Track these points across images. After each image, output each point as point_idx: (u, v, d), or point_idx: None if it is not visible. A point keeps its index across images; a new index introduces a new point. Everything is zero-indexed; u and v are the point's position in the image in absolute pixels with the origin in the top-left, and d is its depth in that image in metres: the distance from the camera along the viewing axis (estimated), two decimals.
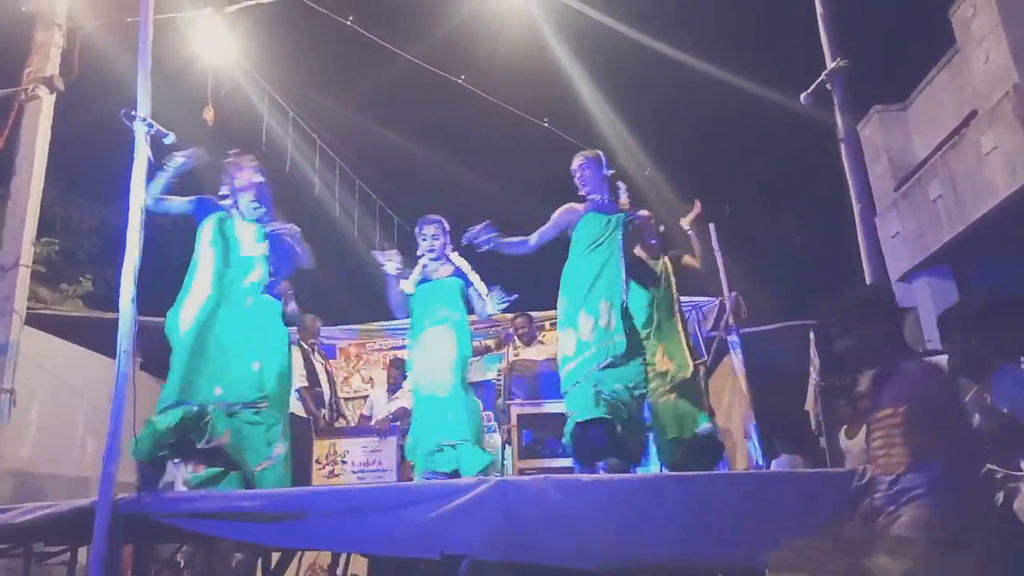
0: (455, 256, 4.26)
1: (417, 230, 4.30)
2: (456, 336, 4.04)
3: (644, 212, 4.16)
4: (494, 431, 6.16)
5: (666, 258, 4.56)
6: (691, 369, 4.26)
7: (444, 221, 4.31)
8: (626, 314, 3.72)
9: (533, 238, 4.02)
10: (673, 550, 2.68)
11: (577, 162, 3.99)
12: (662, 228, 4.55)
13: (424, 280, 4.19)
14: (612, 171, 4.00)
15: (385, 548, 2.93)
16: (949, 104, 7.35)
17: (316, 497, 3.09)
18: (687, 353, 4.32)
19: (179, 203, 3.77)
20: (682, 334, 4.37)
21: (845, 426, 5.81)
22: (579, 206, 3.97)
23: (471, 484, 2.92)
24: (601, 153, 4.05)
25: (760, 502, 2.72)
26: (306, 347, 5.55)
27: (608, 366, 3.64)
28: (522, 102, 7.59)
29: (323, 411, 5.49)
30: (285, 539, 3.11)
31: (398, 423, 5.37)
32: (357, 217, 8.62)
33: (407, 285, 4.19)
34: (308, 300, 5.78)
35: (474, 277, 4.20)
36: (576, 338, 3.74)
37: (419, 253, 4.28)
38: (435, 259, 4.22)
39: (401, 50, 6.89)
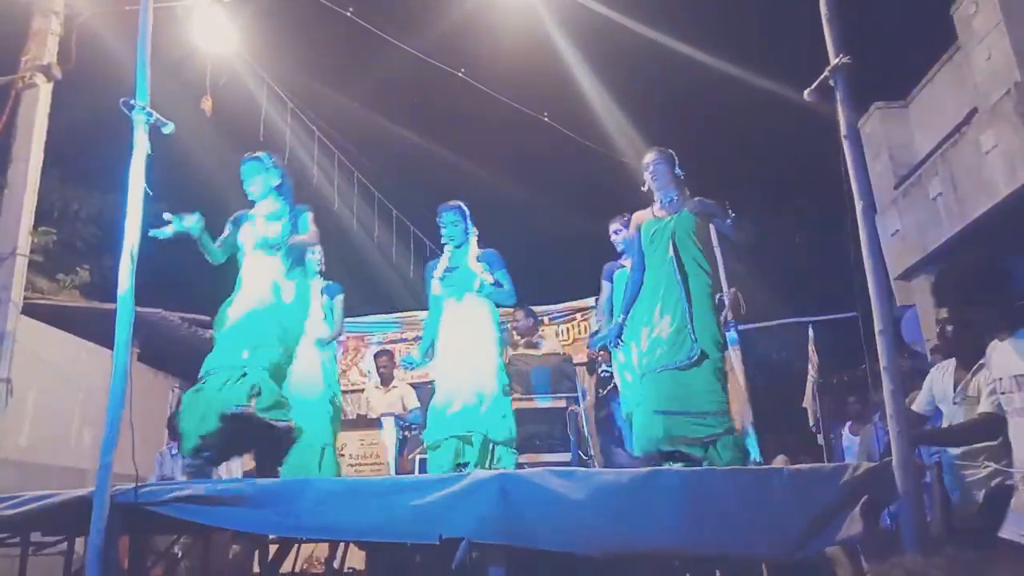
0: (474, 242, 4.23)
1: (438, 218, 4.28)
2: (489, 323, 4.04)
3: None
4: None
5: None
6: None
7: (463, 206, 4.27)
8: (692, 317, 3.63)
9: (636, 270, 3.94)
10: (670, 540, 2.71)
11: (649, 158, 3.94)
12: None
13: (452, 269, 4.15)
14: (681, 174, 3.94)
15: (382, 534, 2.93)
16: (950, 102, 7.33)
17: (312, 484, 3.09)
18: None
19: (224, 240, 3.92)
20: None
21: (850, 422, 5.83)
22: (642, 214, 3.95)
23: (468, 473, 2.93)
24: (671, 151, 3.99)
25: (756, 496, 2.74)
26: None
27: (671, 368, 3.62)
28: (522, 96, 7.57)
29: None
30: (282, 527, 3.11)
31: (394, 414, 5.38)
32: (356, 209, 8.60)
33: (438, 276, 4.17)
34: None
35: (477, 266, 4.14)
36: (638, 351, 3.76)
37: (443, 242, 4.26)
38: (456, 247, 4.20)
39: (401, 42, 6.86)
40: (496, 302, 4.15)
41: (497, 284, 4.08)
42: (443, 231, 4.23)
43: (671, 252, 3.70)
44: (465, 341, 3.96)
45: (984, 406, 2.58)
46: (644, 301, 3.79)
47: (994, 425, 2.52)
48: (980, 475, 2.72)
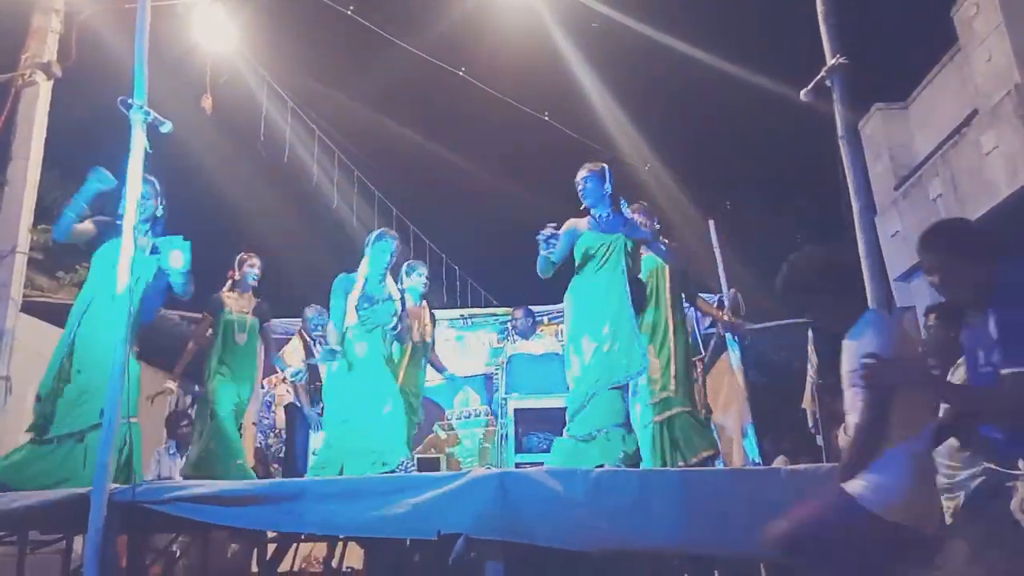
0: (389, 278, 4.32)
1: (379, 242, 4.24)
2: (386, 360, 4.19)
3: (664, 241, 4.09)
4: (491, 425, 6.17)
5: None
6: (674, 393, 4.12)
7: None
8: (636, 336, 3.69)
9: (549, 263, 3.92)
10: (668, 539, 2.72)
11: (580, 175, 3.93)
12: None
13: (372, 300, 4.17)
14: (610, 190, 3.89)
15: (381, 530, 2.93)
16: (950, 103, 7.33)
17: (312, 483, 3.10)
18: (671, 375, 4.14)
19: (85, 229, 3.77)
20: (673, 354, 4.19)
21: (844, 424, 5.82)
22: (580, 221, 3.92)
23: (467, 472, 2.94)
24: (606, 167, 3.95)
25: (754, 496, 2.75)
26: (308, 339, 5.54)
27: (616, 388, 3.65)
28: (523, 95, 7.57)
29: (321, 405, 5.49)
30: (281, 523, 3.12)
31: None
32: (356, 207, 8.60)
33: (352, 300, 4.14)
34: (308, 292, 5.78)
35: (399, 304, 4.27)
36: (580, 363, 3.74)
37: (369, 267, 4.23)
38: (382, 279, 4.25)
39: (401, 41, 6.86)
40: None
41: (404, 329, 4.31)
42: (381, 255, 4.22)
43: (623, 270, 3.71)
44: (370, 379, 4.04)
45: None
46: (589, 316, 3.75)
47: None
48: (961, 476, 2.75)
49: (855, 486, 2.07)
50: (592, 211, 3.90)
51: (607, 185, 3.87)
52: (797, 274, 2.34)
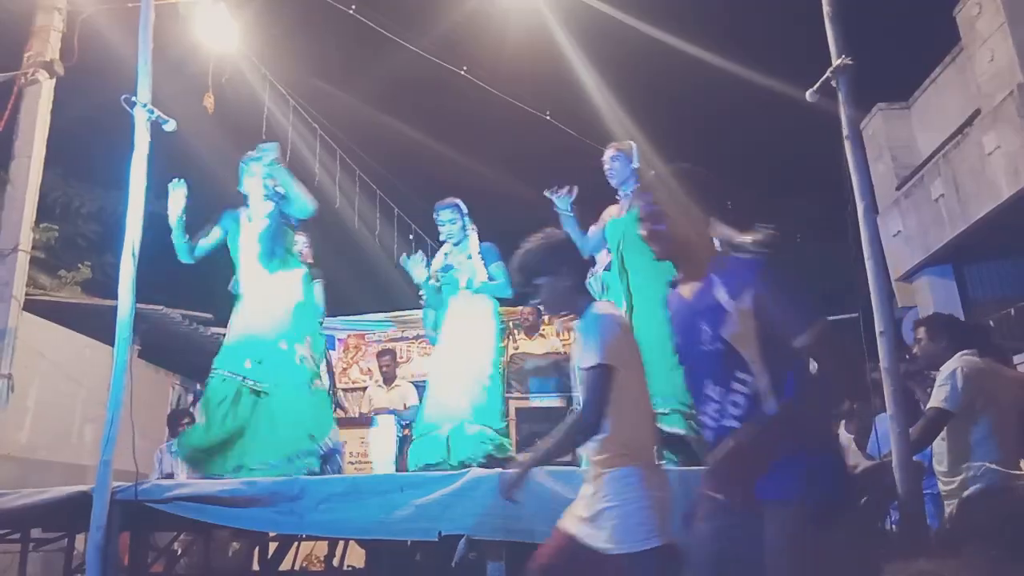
0: (473, 236, 4.19)
1: (435, 216, 4.25)
2: (485, 323, 4.01)
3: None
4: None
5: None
6: None
7: (460, 203, 4.24)
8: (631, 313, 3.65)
9: (588, 241, 3.91)
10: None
11: (607, 154, 3.91)
12: None
13: (448, 268, 4.13)
14: (637, 166, 3.86)
15: (382, 531, 2.93)
16: (953, 103, 7.33)
17: (312, 483, 3.10)
18: None
19: (211, 240, 3.98)
20: None
21: (844, 420, 5.81)
22: (613, 209, 3.91)
23: (466, 472, 2.94)
24: (633, 144, 3.92)
25: None
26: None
27: None
28: (524, 94, 7.57)
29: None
30: (282, 525, 3.12)
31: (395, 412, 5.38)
32: (358, 207, 8.60)
33: (433, 275, 4.14)
34: None
35: (479, 263, 4.09)
36: None
37: (441, 239, 4.25)
38: (455, 244, 4.18)
39: (403, 40, 6.85)
40: (491, 295, 4.11)
41: (490, 278, 4.05)
42: (441, 229, 4.20)
43: (617, 251, 3.70)
44: (461, 336, 3.96)
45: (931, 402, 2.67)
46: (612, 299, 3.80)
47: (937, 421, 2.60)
48: (954, 483, 2.75)
49: (597, 537, 1.89)
50: (620, 192, 3.87)
51: (634, 163, 3.85)
52: (521, 259, 2.25)
